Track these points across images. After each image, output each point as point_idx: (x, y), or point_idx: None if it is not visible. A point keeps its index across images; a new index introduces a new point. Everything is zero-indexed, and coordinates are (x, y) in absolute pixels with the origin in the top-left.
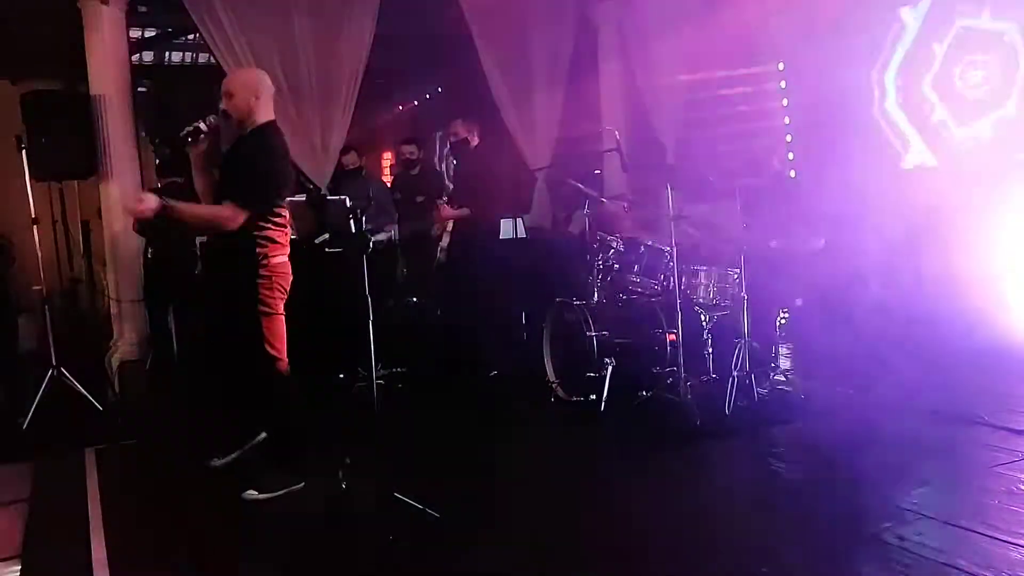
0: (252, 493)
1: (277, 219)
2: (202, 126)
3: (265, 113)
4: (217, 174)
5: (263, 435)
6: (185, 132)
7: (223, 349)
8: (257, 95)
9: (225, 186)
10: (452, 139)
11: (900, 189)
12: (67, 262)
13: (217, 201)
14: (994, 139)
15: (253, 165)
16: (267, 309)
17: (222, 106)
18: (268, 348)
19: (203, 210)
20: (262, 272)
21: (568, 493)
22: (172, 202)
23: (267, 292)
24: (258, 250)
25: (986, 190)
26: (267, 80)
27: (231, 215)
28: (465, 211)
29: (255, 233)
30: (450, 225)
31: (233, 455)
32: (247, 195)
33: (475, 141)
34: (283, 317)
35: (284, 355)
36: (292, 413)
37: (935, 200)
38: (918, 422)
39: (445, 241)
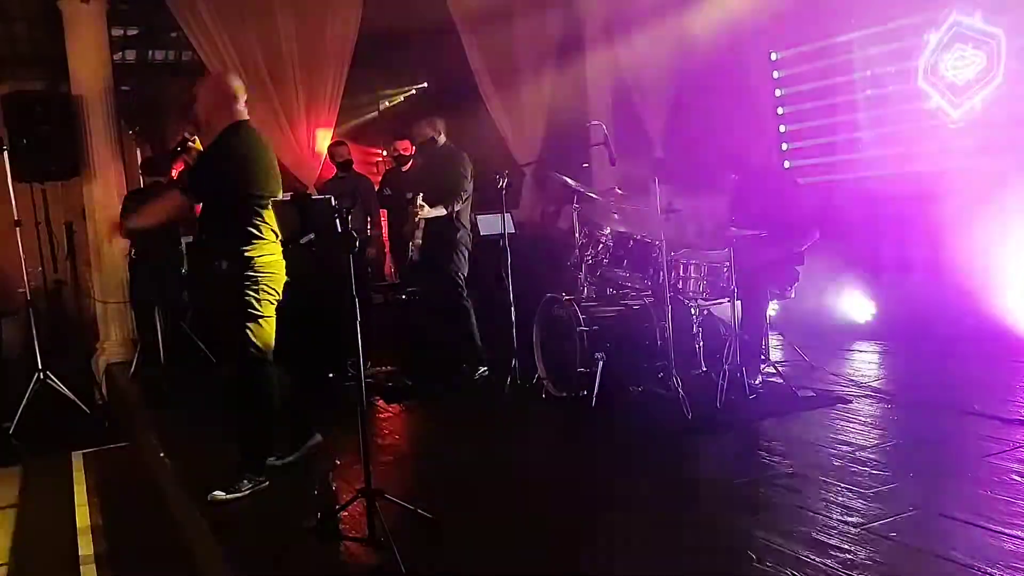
0: (219, 494)
1: (258, 218)
2: (187, 135)
3: (226, 117)
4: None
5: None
6: (176, 144)
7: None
8: (216, 101)
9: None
10: (419, 140)
11: (892, 178)
12: (51, 264)
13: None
14: (987, 125)
15: (202, 161)
16: (253, 311)
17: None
18: (253, 351)
19: (155, 206)
20: (248, 273)
21: (560, 490)
22: (131, 222)
23: (252, 293)
24: (243, 249)
25: (979, 178)
26: (230, 84)
27: (178, 201)
28: (440, 210)
29: (239, 231)
30: (423, 223)
31: (290, 458)
32: (192, 186)
33: (442, 140)
34: (272, 320)
35: (269, 356)
36: (271, 414)
37: (925, 188)
38: (909, 412)
39: (418, 239)
